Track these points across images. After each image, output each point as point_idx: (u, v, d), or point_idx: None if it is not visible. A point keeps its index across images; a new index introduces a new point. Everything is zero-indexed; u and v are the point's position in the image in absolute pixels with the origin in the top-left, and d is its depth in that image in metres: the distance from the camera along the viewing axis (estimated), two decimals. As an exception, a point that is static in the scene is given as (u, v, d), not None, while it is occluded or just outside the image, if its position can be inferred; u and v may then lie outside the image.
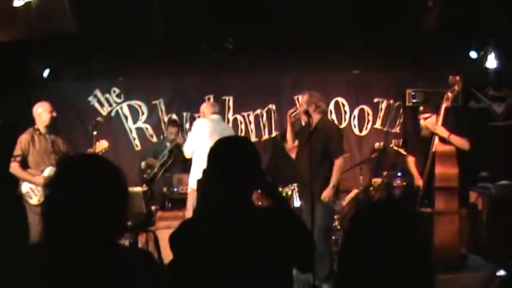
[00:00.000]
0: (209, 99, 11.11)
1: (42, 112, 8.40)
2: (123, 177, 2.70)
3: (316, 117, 8.12)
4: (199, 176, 8.15)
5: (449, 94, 8.12)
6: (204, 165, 3.55)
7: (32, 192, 8.27)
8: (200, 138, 8.68)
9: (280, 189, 9.42)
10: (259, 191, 3.74)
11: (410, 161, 8.76)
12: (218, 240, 3.29)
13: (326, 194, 7.90)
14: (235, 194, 3.44)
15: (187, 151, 8.96)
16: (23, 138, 8.35)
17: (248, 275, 3.27)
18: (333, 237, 9.69)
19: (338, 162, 7.99)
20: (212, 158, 3.51)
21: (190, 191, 8.73)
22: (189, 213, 8.52)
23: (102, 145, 8.69)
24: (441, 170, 8.02)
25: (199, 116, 9.78)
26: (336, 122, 10.94)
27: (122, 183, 2.68)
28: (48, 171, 8.25)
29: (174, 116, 11.14)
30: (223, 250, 3.26)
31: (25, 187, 8.31)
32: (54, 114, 8.49)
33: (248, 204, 3.51)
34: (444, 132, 8.08)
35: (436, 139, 8.11)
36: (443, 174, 8.00)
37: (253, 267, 3.27)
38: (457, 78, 8.13)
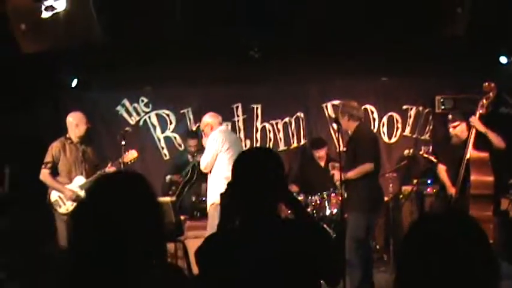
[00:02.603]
0: (237, 107, 11.13)
1: (79, 123, 8.46)
2: (155, 197, 2.68)
3: (352, 126, 8.06)
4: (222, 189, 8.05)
5: (485, 101, 8.03)
6: (225, 179, 3.52)
7: (61, 200, 8.30)
8: (218, 152, 8.41)
9: (310, 197, 9.39)
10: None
11: (442, 169, 8.65)
12: (246, 254, 3.25)
13: (337, 176, 7.87)
14: (262, 206, 3.40)
15: (204, 165, 8.57)
16: (54, 146, 8.42)
17: None
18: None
19: (365, 165, 7.84)
20: (237, 171, 3.48)
21: (211, 206, 8.33)
22: (211, 230, 8.09)
23: (131, 155, 8.70)
24: (477, 178, 7.92)
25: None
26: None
27: (155, 202, 2.66)
28: (77, 181, 8.29)
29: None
30: (251, 264, 3.23)
31: (54, 195, 8.35)
32: (89, 125, 8.56)
33: (275, 217, 3.47)
34: (481, 127, 7.98)
35: (470, 146, 8.02)
36: (479, 181, 7.90)
37: (281, 280, 3.23)
38: (492, 85, 8.03)
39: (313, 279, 3.39)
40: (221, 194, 3.65)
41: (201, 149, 9.95)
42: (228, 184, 3.53)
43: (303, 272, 3.28)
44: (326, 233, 3.74)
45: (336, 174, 7.93)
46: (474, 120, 8.03)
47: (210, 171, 8.46)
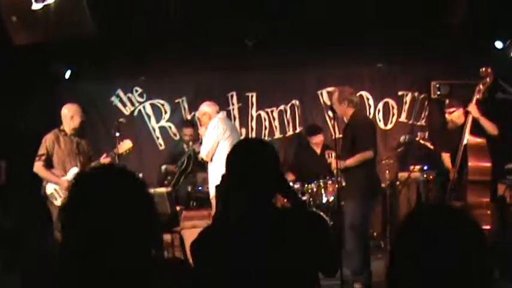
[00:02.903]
0: (232, 96, 11.09)
1: (74, 115, 8.37)
2: (146, 191, 2.61)
3: (349, 112, 7.98)
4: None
5: (481, 86, 8.00)
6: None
7: (57, 193, 8.25)
8: (220, 139, 8.40)
9: (306, 185, 9.37)
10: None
11: (446, 157, 8.62)
12: (242, 247, 3.22)
13: (335, 164, 7.72)
14: (257, 199, 3.37)
15: (205, 153, 8.53)
16: (48, 138, 8.34)
17: (274, 281, 3.21)
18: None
19: (365, 153, 7.74)
20: (232, 163, 3.44)
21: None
22: None
23: (126, 145, 8.63)
24: (474, 164, 7.90)
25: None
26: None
27: (146, 199, 2.59)
28: (73, 172, 8.24)
29: (197, 115, 11.09)
30: (248, 257, 3.20)
31: (49, 188, 8.29)
32: (84, 118, 8.48)
33: (270, 209, 3.44)
34: (476, 112, 7.95)
35: (467, 132, 7.99)
36: (477, 167, 7.88)
37: (279, 272, 3.20)
38: (489, 70, 7.99)
39: (311, 270, 3.38)
40: (216, 186, 3.62)
41: (196, 138, 9.95)
42: (223, 176, 3.50)
43: (301, 263, 3.27)
44: (323, 224, 3.72)
45: (333, 163, 7.85)
46: (471, 106, 8.00)
47: (211, 160, 8.43)
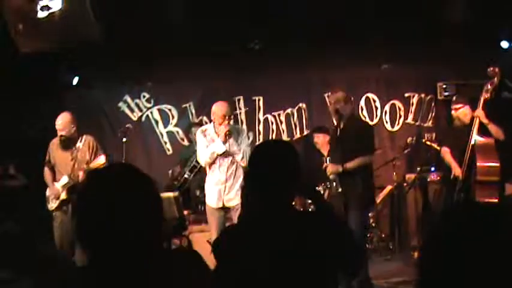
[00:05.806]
0: (239, 100, 11.10)
1: (62, 129, 8.33)
2: (153, 185, 2.63)
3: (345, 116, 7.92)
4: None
5: (489, 86, 7.98)
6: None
7: (50, 197, 8.34)
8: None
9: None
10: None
11: (446, 152, 8.56)
12: (262, 247, 3.28)
13: (331, 168, 7.58)
14: (278, 198, 3.43)
15: (204, 159, 8.00)
16: (51, 144, 8.52)
17: (293, 281, 3.25)
18: (368, 235, 9.66)
19: (366, 157, 7.64)
20: (254, 163, 3.54)
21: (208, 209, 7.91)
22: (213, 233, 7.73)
23: (99, 161, 8.33)
24: (483, 163, 7.85)
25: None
26: (367, 118, 10.88)
27: (153, 192, 2.61)
28: (62, 180, 8.27)
29: (205, 119, 11.10)
30: (267, 256, 3.25)
31: (47, 192, 8.39)
32: (67, 135, 8.37)
33: (290, 209, 3.52)
34: (484, 118, 7.93)
35: (474, 132, 7.96)
36: (485, 167, 7.85)
37: (297, 272, 3.24)
38: (496, 70, 7.99)
39: (329, 270, 3.42)
40: (241, 186, 3.68)
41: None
42: (245, 175, 3.59)
43: (318, 264, 3.30)
44: (343, 225, 3.76)
45: (329, 167, 7.62)
46: (478, 111, 7.99)
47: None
